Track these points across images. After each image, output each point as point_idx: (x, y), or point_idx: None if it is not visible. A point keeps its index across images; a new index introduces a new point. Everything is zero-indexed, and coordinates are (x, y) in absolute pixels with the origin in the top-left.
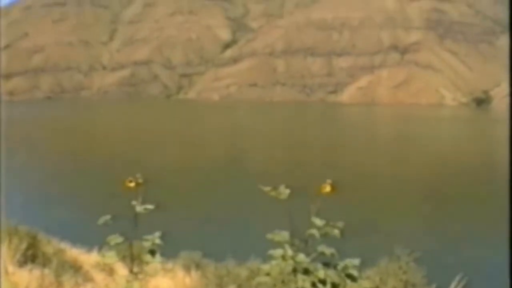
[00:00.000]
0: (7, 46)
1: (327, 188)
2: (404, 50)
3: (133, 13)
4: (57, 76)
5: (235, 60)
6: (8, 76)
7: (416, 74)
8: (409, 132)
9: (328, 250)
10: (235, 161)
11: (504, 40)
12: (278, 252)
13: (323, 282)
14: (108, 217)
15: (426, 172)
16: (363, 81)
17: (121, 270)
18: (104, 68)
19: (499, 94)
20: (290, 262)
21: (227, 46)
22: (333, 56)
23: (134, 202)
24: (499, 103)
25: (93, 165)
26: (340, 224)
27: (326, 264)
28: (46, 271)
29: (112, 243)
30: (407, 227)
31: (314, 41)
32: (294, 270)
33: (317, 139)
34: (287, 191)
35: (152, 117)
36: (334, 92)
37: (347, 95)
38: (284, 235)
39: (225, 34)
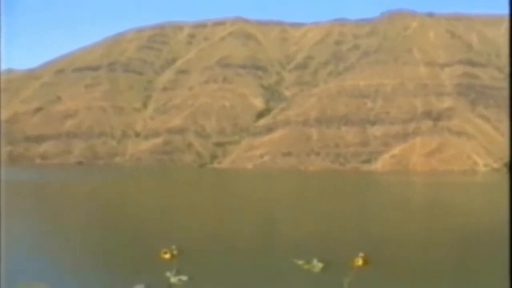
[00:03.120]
0: (39, 109)
1: (360, 262)
2: (437, 117)
3: (167, 79)
4: (90, 141)
5: (269, 129)
6: (40, 140)
7: (449, 141)
8: (443, 201)
9: None
10: (269, 233)
11: None
12: None
13: None
14: (142, 286)
15: (458, 242)
16: (396, 149)
17: None
18: (137, 135)
19: None
20: None
21: (261, 114)
22: (367, 124)
23: (168, 273)
24: None
25: (125, 236)
26: None
27: None
28: None
29: None
30: None
31: (348, 109)
32: None
33: (351, 209)
34: (320, 264)
35: (186, 187)
36: (368, 161)
37: (381, 163)
38: None
39: (259, 103)
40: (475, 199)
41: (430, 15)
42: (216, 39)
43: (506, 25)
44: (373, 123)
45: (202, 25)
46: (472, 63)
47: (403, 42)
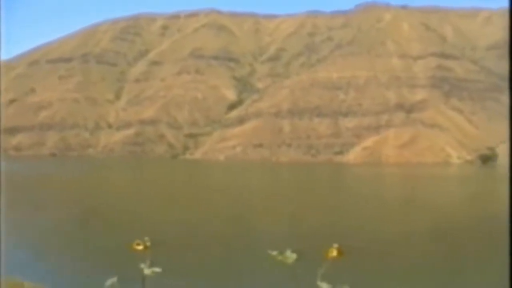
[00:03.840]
0: (13, 101)
1: (334, 252)
2: (409, 109)
3: (140, 71)
4: (63, 133)
5: (241, 121)
6: (15, 131)
7: (422, 133)
8: (415, 192)
9: None
10: (242, 224)
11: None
12: None
13: None
14: (115, 279)
15: (432, 233)
16: (369, 141)
17: None
18: (110, 126)
19: (505, 150)
20: None
21: (233, 106)
22: (339, 116)
23: (142, 265)
24: (505, 159)
25: (97, 228)
26: (346, 287)
27: None
28: None
29: None
30: None
31: (320, 101)
32: None
33: (323, 200)
34: (294, 255)
35: (158, 178)
36: (340, 152)
37: (353, 155)
38: None
39: (231, 94)
40: (449, 191)
41: (404, 7)
42: (189, 31)
43: (481, 17)
44: (345, 115)
45: (175, 17)
46: (446, 56)
47: (376, 34)
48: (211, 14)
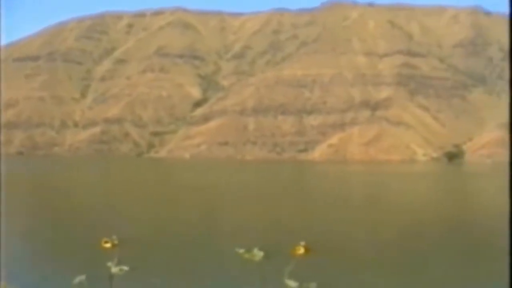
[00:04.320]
0: None
1: (301, 250)
2: (374, 107)
3: (105, 69)
4: (29, 131)
5: (205, 119)
6: None
7: (387, 131)
8: (380, 189)
9: None
10: (208, 222)
11: (476, 93)
12: None
13: None
14: (83, 277)
15: (398, 230)
16: (333, 138)
17: None
18: (76, 125)
19: (472, 148)
20: None
21: (198, 104)
22: (304, 113)
23: (109, 263)
24: (472, 157)
25: (65, 226)
26: (313, 285)
27: None
28: None
29: None
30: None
31: (285, 99)
32: None
33: (289, 198)
34: (261, 253)
35: (124, 176)
36: (304, 150)
37: (318, 153)
38: None
39: (195, 92)
40: (414, 188)
41: (371, 5)
42: (154, 29)
43: (448, 15)
44: (310, 113)
45: (141, 15)
46: (412, 53)
47: (342, 32)
48: (177, 12)
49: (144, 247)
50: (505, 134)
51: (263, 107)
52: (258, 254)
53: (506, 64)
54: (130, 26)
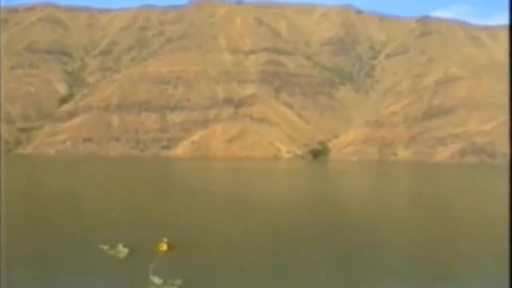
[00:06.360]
0: None
1: (164, 247)
2: (238, 104)
3: None
4: None
5: (71, 115)
6: None
7: (250, 128)
8: (242, 186)
9: None
10: (71, 218)
11: (343, 91)
12: None
13: None
14: None
15: (260, 227)
16: (196, 135)
17: None
18: None
19: (337, 145)
20: None
21: (64, 100)
22: (167, 110)
23: None
24: (337, 154)
25: None
26: (178, 281)
27: None
28: None
29: None
30: (247, 285)
31: (149, 95)
32: None
33: (151, 195)
34: (126, 250)
35: None
36: (167, 147)
37: (181, 149)
38: None
39: (62, 88)
40: (276, 184)
41: (239, 2)
42: (26, 24)
43: (317, 13)
44: (173, 109)
45: (14, 10)
46: (278, 51)
47: (209, 29)
48: (48, 8)
49: (7, 244)
50: (371, 132)
51: (127, 104)
52: (122, 250)
53: (376, 62)
54: (4, 21)
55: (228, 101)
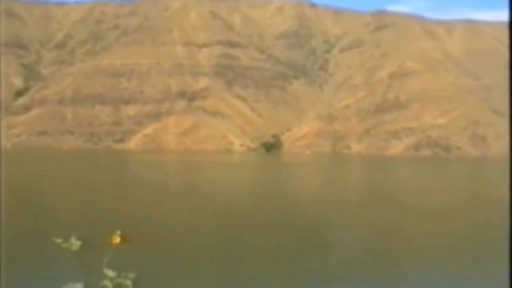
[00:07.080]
0: None
1: (117, 239)
2: (191, 97)
3: None
4: None
5: (26, 108)
6: None
7: (203, 121)
8: (196, 179)
9: None
10: (24, 211)
11: (297, 84)
12: None
13: None
14: None
15: (215, 219)
16: (149, 128)
17: None
18: None
19: (290, 138)
20: None
21: (20, 93)
22: (121, 103)
23: None
24: (290, 147)
25: None
26: (132, 274)
27: None
28: None
29: None
30: (200, 276)
31: (103, 89)
32: None
33: (105, 187)
34: (78, 242)
35: None
36: (121, 140)
37: (134, 142)
38: (78, 287)
39: (18, 82)
40: (228, 176)
41: None
42: None
43: (272, 7)
44: (127, 103)
45: None
46: (232, 44)
47: (163, 22)
48: (6, 1)
49: None
50: (325, 125)
51: (81, 97)
52: (75, 243)
53: (330, 56)
54: None
55: (181, 94)
